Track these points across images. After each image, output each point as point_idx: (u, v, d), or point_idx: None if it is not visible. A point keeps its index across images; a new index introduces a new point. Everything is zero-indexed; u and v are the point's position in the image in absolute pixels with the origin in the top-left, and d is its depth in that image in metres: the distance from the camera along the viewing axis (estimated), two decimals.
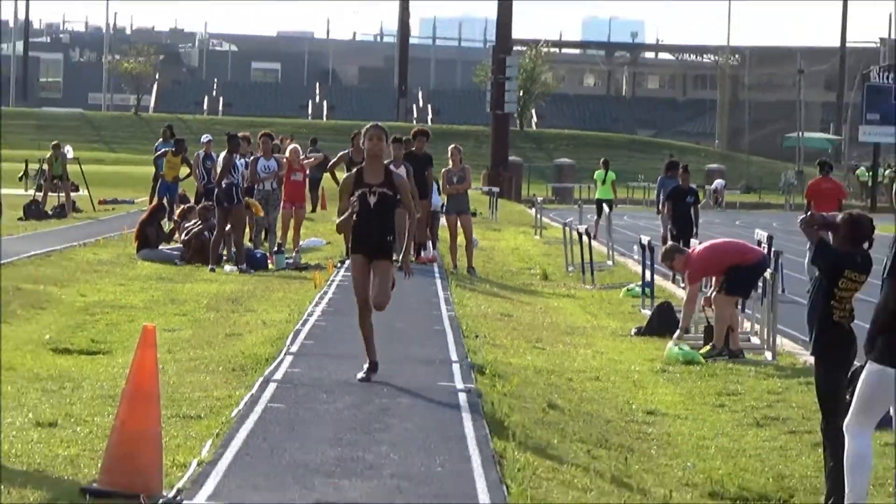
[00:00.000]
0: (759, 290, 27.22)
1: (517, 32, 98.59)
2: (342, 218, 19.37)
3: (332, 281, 32.66)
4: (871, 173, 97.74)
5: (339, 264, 36.02)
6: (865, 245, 14.97)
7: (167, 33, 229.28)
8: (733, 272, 26.19)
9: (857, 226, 14.98)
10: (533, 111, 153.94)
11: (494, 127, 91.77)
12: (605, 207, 57.00)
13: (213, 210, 38.65)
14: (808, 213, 16.44)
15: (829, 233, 15.31)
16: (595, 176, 62.28)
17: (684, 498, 15.28)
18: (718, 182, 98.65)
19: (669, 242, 30.17)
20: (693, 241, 30.31)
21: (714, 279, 26.55)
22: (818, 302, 14.90)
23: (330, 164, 43.49)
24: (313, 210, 50.46)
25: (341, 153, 41.52)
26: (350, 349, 18.75)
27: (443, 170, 40.66)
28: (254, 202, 39.23)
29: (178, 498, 13.13)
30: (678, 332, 26.68)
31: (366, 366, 19.56)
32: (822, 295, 14.80)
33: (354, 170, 19.61)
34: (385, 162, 19.54)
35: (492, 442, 16.56)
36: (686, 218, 36.65)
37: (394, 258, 19.80)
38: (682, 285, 29.98)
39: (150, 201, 45.08)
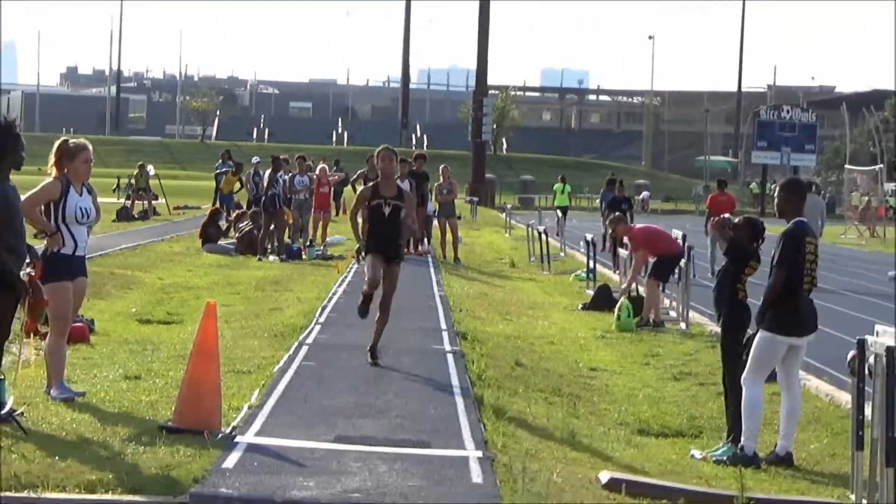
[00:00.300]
0: (676, 276, 27.27)
1: (491, 80, 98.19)
2: (352, 224, 19.05)
3: (351, 268, 32.54)
4: (760, 187, 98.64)
5: (356, 255, 35.91)
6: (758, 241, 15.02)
7: (226, 79, 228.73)
8: (659, 262, 26.29)
9: (755, 227, 15.05)
10: (503, 140, 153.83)
11: (474, 152, 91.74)
12: (559, 213, 57.20)
13: (260, 214, 39.03)
14: (721, 217, 16.54)
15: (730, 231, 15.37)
16: (555, 188, 62.34)
17: (619, 434, 15.23)
18: (645, 193, 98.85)
19: (615, 215, 30.11)
20: (625, 239, 30.24)
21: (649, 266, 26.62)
22: (726, 285, 14.90)
23: (351, 179, 44.01)
24: (337, 214, 50.29)
25: (360, 171, 42.24)
26: (363, 321, 18.73)
27: (435, 184, 40.98)
28: (287, 210, 39.33)
29: (233, 434, 13.08)
30: (624, 287, 27.09)
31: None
32: (729, 279, 14.81)
33: (371, 184, 18.76)
34: (395, 178, 18.80)
35: (472, 391, 16.54)
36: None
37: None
38: (618, 272, 29.85)
39: (214, 208, 45.02)
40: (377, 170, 18.61)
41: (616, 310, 25.72)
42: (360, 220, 18.95)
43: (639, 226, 28.24)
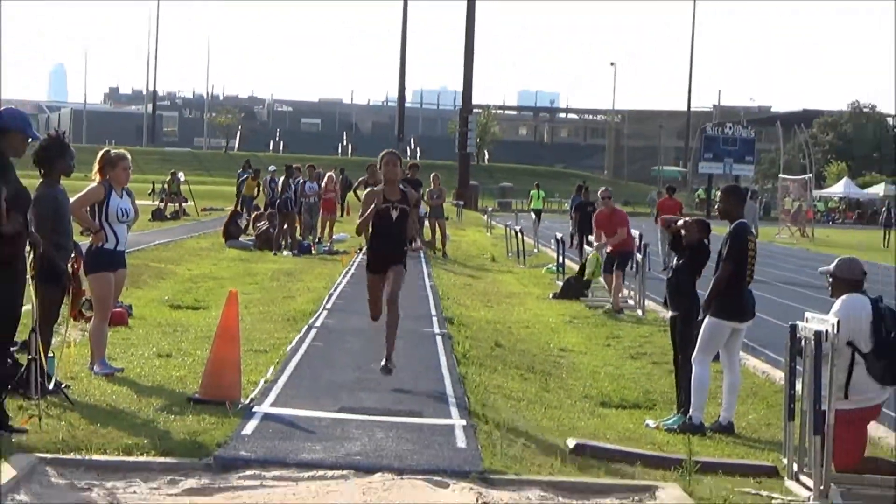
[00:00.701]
0: (634, 269, 27.30)
1: (475, 100, 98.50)
2: (363, 220, 15.41)
3: (354, 262, 32.57)
4: (706, 193, 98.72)
5: (358, 250, 35.99)
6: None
7: (246, 98, 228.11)
8: (620, 256, 26.47)
9: (705, 227, 15.08)
10: (486, 151, 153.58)
11: (460, 162, 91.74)
12: (533, 215, 57.37)
13: (275, 215, 39.16)
14: (664, 217, 16.67)
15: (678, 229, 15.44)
16: (531, 194, 62.31)
17: (584, 406, 15.22)
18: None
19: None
20: (591, 237, 30.23)
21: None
22: (683, 276, 14.94)
23: (353, 186, 44.11)
24: (341, 215, 50.31)
25: (360, 178, 42.11)
26: (364, 308, 18.58)
27: (427, 189, 41.02)
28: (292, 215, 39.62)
29: (251, 404, 13.06)
30: (598, 244, 27.46)
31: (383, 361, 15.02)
32: (686, 272, 14.86)
33: (378, 188, 15.47)
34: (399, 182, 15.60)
35: (458, 368, 16.52)
36: (587, 221, 36.48)
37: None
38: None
39: (234, 209, 45.04)
40: (381, 175, 15.51)
41: (587, 264, 26.01)
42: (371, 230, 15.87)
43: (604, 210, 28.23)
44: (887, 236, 67.07)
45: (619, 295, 26.76)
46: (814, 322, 11.25)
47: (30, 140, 11.71)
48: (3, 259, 11.05)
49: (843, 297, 11.71)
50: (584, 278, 26.73)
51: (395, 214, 15.13)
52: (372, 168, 42.93)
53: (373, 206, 15.11)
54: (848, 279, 11.84)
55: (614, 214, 27.53)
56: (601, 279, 27.72)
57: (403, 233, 15.37)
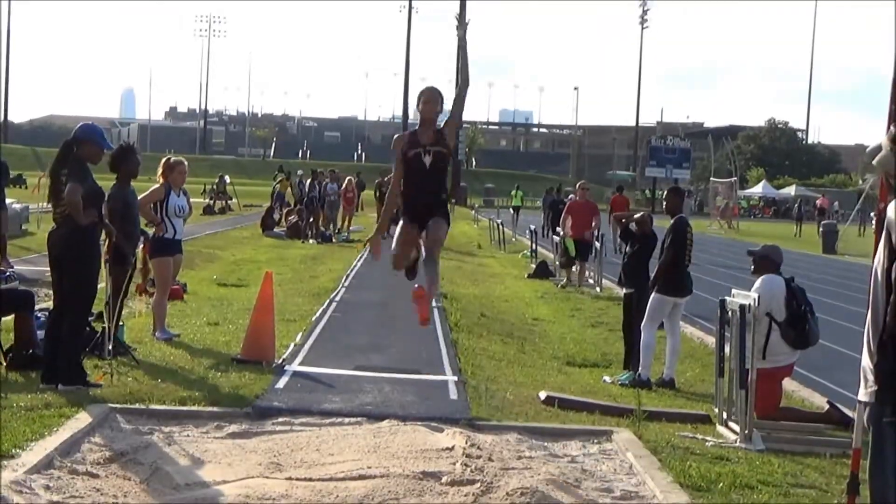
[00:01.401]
0: (593, 254, 27.29)
1: (465, 117, 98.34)
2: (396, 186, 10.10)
3: (367, 249, 32.56)
4: (651, 193, 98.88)
5: (366, 243, 36.14)
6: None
7: (280, 115, 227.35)
8: (582, 246, 26.48)
9: (651, 220, 15.10)
10: (473, 158, 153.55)
11: (453, 167, 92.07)
12: (512, 211, 57.52)
13: (303, 210, 39.16)
14: (616, 213, 16.80)
15: (632, 223, 15.42)
16: (512, 193, 62.33)
17: (553, 365, 15.16)
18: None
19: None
20: (558, 228, 30.20)
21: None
22: (636, 260, 14.95)
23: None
24: (357, 210, 50.28)
25: (377, 181, 42.51)
26: (375, 285, 18.57)
27: None
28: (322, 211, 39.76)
29: (283, 364, 13.00)
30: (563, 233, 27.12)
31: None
32: (643, 256, 14.90)
33: (407, 132, 10.31)
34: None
35: (451, 335, 16.47)
36: (557, 215, 36.44)
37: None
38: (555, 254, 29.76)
39: (270, 206, 45.01)
40: (418, 113, 10.10)
41: (565, 246, 26.54)
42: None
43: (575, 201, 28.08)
44: (798, 228, 67.79)
45: (584, 275, 26.94)
46: (739, 297, 11.27)
47: (104, 150, 11.71)
48: (81, 245, 11.02)
49: (763, 276, 11.77)
50: (573, 256, 26.66)
51: (428, 161, 9.80)
52: (386, 173, 43.33)
53: (399, 161, 9.89)
54: (770, 261, 11.92)
55: (587, 205, 27.39)
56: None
57: (441, 184, 10.20)
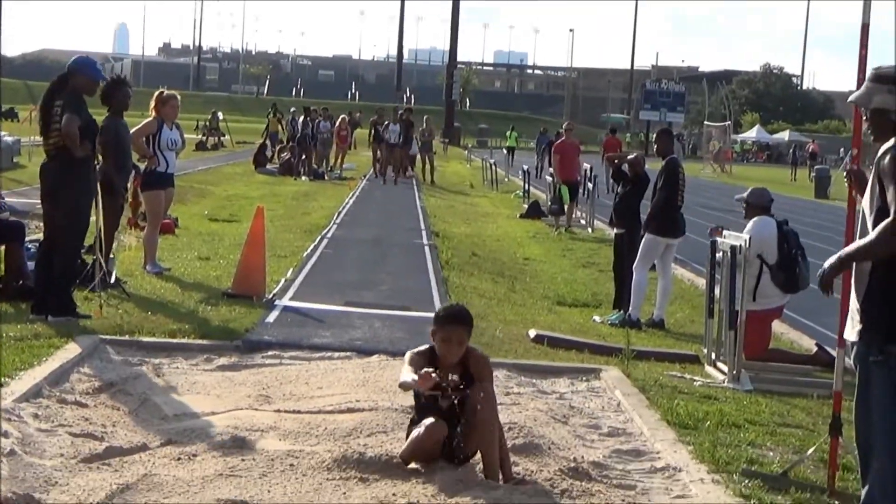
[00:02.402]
0: (585, 195, 27.29)
1: (460, 57, 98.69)
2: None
3: (359, 187, 32.60)
4: (645, 136, 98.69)
5: (362, 178, 36.08)
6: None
7: (274, 53, 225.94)
8: (571, 186, 26.45)
9: (643, 161, 15.07)
10: (467, 99, 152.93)
11: (447, 107, 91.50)
12: (505, 151, 57.57)
13: (296, 148, 39.15)
14: (608, 154, 16.74)
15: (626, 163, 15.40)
16: (507, 134, 62.25)
17: (543, 304, 15.17)
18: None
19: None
20: (550, 169, 30.15)
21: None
22: (629, 201, 14.91)
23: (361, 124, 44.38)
24: (350, 148, 50.07)
25: (371, 118, 42.65)
26: (366, 222, 18.53)
27: (419, 128, 41.28)
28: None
29: (273, 299, 13.01)
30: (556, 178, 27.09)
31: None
32: (634, 197, 14.85)
33: (425, 355, 6.79)
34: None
35: (442, 272, 16.48)
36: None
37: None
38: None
39: (262, 142, 44.86)
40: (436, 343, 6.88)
41: (559, 193, 26.35)
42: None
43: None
44: (793, 172, 68.04)
45: (573, 216, 26.97)
46: (730, 238, 11.26)
47: (99, 82, 11.69)
48: (75, 177, 10.97)
49: (755, 218, 11.75)
50: (564, 205, 26.62)
51: (445, 405, 6.77)
52: (380, 112, 43.23)
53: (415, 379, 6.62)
54: (758, 204, 11.92)
55: (573, 145, 27.40)
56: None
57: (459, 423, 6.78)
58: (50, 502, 5.83)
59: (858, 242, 5.85)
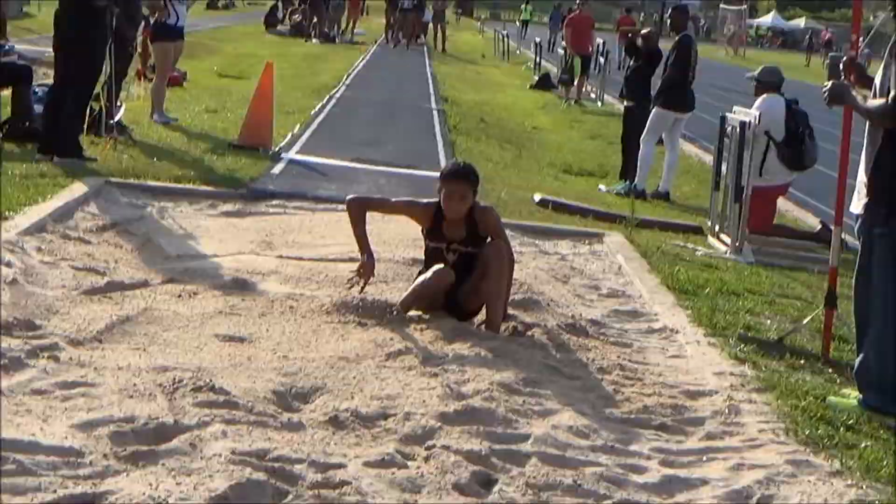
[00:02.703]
0: (596, 69, 27.14)
1: None
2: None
3: (370, 52, 32.39)
4: (660, 17, 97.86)
5: (373, 43, 35.92)
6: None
7: None
8: (583, 58, 26.27)
9: (657, 37, 14.99)
10: None
11: None
12: (519, 24, 57.08)
13: (307, 10, 38.83)
14: (623, 28, 16.59)
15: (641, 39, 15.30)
16: (522, 7, 61.56)
17: (549, 172, 15.14)
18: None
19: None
20: (562, 42, 29.85)
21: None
22: (640, 74, 14.84)
23: None
24: (362, 14, 49.67)
25: None
26: (376, 85, 18.47)
27: (432, 3, 41.29)
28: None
29: (279, 151, 13.03)
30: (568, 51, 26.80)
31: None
32: (646, 72, 14.76)
33: (431, 208, 6.89)
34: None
35: (450, 136, 16.44)
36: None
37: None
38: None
39: (274, 3, 44.55)
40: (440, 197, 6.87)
41: (570, 64, 26.10)
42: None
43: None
44: (808, 59, 68.30)
45: (582, 90, 26.78)
46: (739, 114, 11.21)
47: None
48: (90, 25, 10.88)
49: (764, 95, 11.68)
50: (575, 77, 26.48)
51: (451, 259, 6.86)
52: None
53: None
54: (769, 82, 11.84)
55: (586, 18, 27.11)
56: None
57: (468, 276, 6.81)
58: (50, 329, 5.86)
59: (869, 102, 5.98)
